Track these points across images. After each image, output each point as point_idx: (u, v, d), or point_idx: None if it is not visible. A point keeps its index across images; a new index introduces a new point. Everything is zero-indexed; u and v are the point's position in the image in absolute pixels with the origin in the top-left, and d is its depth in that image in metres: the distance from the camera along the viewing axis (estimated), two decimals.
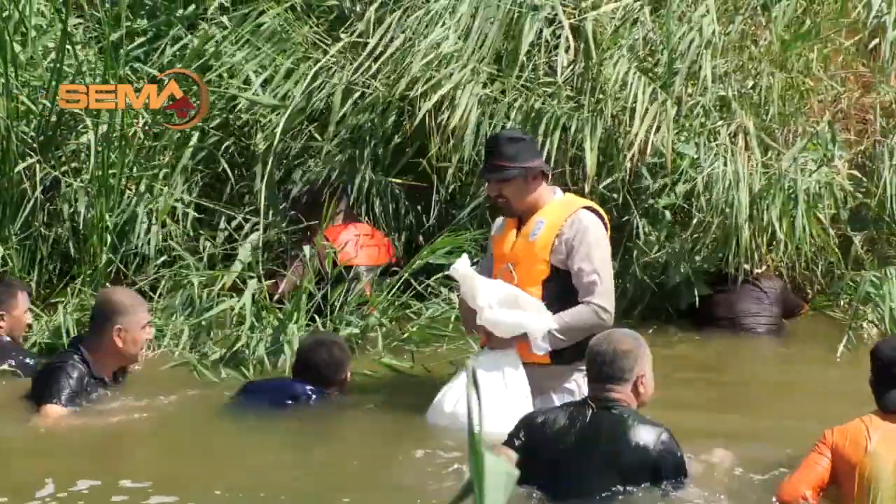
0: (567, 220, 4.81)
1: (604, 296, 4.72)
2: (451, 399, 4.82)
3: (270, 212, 6.89)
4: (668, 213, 6.78)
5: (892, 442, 3.92)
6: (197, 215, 6.92)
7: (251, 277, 6.21)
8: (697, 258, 6.66)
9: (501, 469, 1.48)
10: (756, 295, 6.67)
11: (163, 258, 6.71)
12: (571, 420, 4.07)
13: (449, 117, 6.61)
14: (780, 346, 6.61)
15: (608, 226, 4.95)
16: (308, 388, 5.14)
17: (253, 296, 6.02)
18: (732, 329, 6.62)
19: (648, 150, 6.76)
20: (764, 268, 6.77)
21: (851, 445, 3.96)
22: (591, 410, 4.05)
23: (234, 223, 6.93)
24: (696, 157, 6.75)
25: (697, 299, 6.65)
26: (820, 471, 4.01)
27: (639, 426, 3.99)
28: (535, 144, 5.22)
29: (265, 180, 6.91)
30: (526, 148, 4.93)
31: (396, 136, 7.01)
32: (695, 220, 6.71)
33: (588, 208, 4.94)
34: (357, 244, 6.52)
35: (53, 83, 6.73)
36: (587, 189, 6.73)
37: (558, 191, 5.03)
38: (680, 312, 6.76)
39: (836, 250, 6.85)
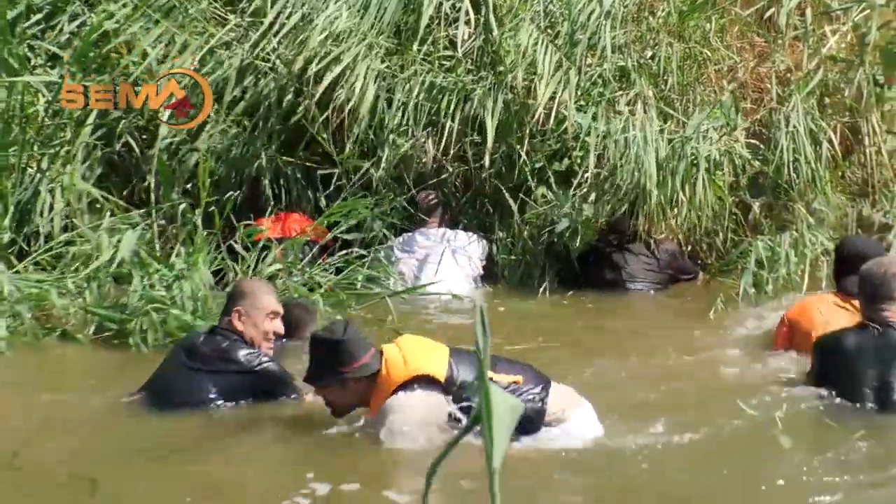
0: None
1: None
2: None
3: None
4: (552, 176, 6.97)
5: (837, 314, 5.38)
6: (99, 194, 6.93)
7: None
8: (585, 206, 6.79)
9: (507, 401, 1.59)
10: (646, 260, 6.83)
11: (66, 234, 6.74)
12: (862, 340, 4.88)
13: (344, 93, 6.71)
14: (659, 306, 6.83)
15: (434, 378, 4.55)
16: None
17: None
18: (620, 289, 6.87)
19: (552, 118, 6.93)
20: (663, 234, 6.92)
21: (805, 317, 5.48)
22: (875, 331, 4.87)
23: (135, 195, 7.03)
24: (593, 124, 6.84)
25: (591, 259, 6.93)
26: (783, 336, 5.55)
27: None
28: (355, 342, 4.68)
29: (157, 157, 6.98)
30: (340, 351, 4.60)
31: (296, 113, 7.04)
32: (587, 176, 6.81)
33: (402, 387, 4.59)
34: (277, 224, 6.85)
35: None
36: (487, 161, 6.91)
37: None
38: (575, 274, 6.94)
39: (735, 214, 7.02)
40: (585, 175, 6.78)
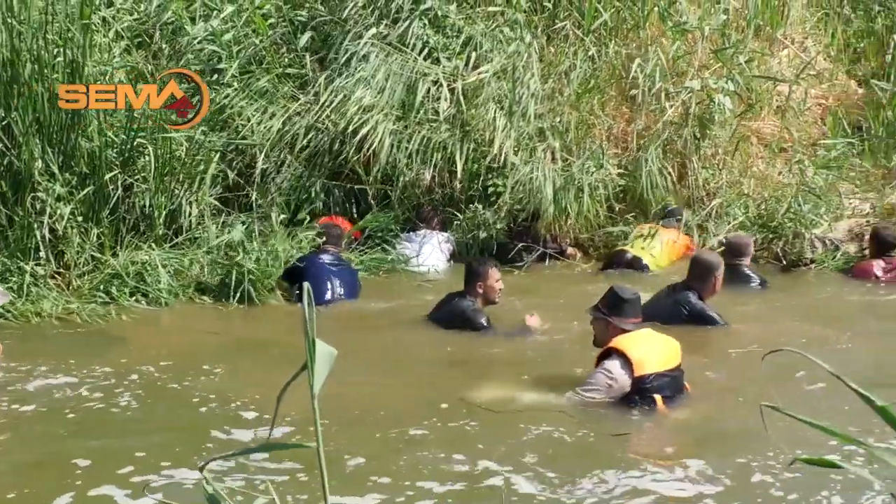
0: None
1: None
2: None
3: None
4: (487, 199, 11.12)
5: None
6: (220, 206, 11.08)
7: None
8: (498, 221, 10.95)
9: (326, 350, 1.95)
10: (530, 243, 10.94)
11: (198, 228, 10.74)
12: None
13: (371, 143, 10.93)
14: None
15: None
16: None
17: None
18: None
19: (499, 160, 11.13)
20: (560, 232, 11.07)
21: None
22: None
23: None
24: (518, 165, 11.00)
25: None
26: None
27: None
28: (632, 306, 6.54)
29: (257, 183, 11.21)
30: (621, 304, 6.47)
31: (341, 155, 11.33)
32: (507, 200, 10.89)
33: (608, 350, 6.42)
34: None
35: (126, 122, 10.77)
36: (458, 187, 11.18)
37: None
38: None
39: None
40: (504, 198, 10.88)
